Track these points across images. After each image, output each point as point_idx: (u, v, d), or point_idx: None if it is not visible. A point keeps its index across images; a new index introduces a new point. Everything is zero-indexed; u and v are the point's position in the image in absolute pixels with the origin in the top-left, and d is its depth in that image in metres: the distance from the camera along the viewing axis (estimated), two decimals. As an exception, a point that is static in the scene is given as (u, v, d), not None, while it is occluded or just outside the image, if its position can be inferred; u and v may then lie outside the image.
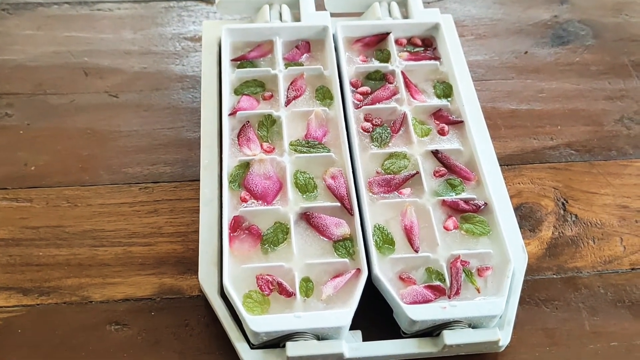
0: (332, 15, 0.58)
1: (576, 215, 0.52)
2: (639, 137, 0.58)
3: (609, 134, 0.58)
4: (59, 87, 0.59)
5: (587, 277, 0.48)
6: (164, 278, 0.47)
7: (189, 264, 0.48)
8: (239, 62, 0.54)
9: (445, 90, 0.53)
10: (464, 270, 0.44)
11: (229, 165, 0.47)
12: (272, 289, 0.42)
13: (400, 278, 0.43)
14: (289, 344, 0.40)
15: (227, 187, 0.46)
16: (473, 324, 0.42)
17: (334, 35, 0.56)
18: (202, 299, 0.46)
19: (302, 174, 0.47)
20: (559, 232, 0.50)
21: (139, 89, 0.59)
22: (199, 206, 0.50)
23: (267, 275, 0.42)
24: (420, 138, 0.50)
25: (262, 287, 0.42)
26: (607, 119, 0.59)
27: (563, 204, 0.52)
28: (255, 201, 0.46)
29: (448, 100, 0.53)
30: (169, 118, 0.57)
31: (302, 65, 0.54)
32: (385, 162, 0.48)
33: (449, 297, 0.42)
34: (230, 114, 0.50)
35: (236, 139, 0.49)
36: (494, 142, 0.53)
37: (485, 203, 0.46)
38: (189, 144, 0.55)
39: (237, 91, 0.52)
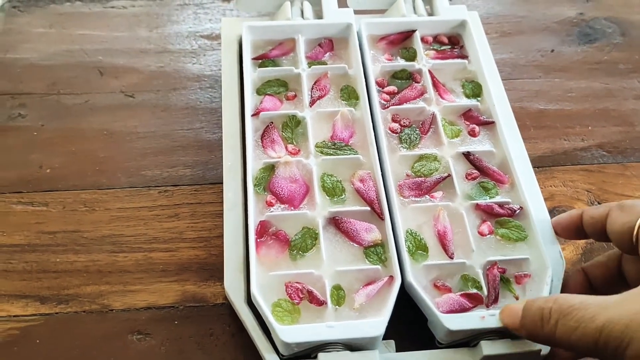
0: (355, 12, 0.56)
1: (611, 219, 0.50)
2: (673, 138, 0.56)
3: (641, 134, 0.56)
4: (73, 86, 0.57)
5: (625, 283, 0.46)
6: (186, 285, 0.45)
7: (213, 270, 0.46)
8: (260, 61, 0.52)
9: (475, 89, 0.52)
10: (501, 278, 0.42)
11: (253, 167, 0.45)
12: (302, 297, 0.40)
13: (435, 286, 0.42)
14: (321, 355, 0.39)
15: (252, 190, 0.44)
16: (512, 334, 0.40)
17: (357, 33, 0.54)
18: (227, 307, 0.44)
19: (329, 176, 0.46)
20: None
21: (155, 88, 0.57)
22: (221, 210, 0.48)
23: (297, 282, 0.41)
24: (450, 139, 0.48)
25: (292, 295, 0.40)
26: (638, 119, 0.57)
27: (597, 207, 0.51)
28: (281, 205, 0.44)
29: (478, 100, 0.51)
30: (187, 119, 0.55)
31: (326, 64, 0.52)
32: (415, 165, 0.47)
33: (487, 306, 0.40)
34: (253, 115, 0.48)
35: (260, 140, 0.47)
36: (524, 143, 0.51)
37: (520, 207, 0.45)
38: (209, 145, 0.53)
39: (260, 91, 0.50)
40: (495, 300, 0.41)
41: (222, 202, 0.48)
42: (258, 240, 0.42)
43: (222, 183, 0.48)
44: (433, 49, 0.54)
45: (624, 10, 0.67)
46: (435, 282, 0.42)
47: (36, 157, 0.52)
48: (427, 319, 0.41)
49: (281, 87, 0.51)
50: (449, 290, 0.41)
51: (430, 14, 0.57)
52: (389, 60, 0.53)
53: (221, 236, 0.47)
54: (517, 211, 0.45)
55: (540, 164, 0.53)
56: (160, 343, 0.42)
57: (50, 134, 0.54)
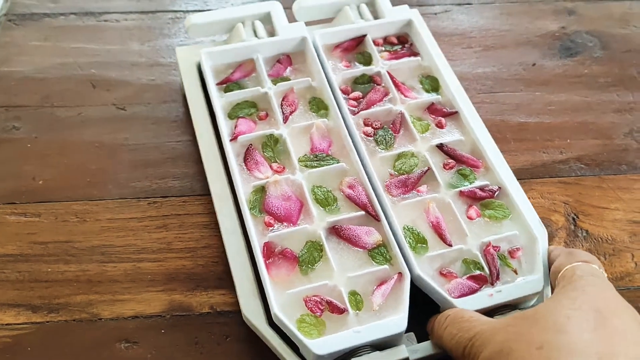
0: (306, 24, 0.57)
1: (587, 231, 0.52)
2: (649, 151, 0.57)
3: (618, 147, 0.58)
4: (67, 99, 0.59)
5: (598, 294, 0.48)
6: (173, 295, 0.47)
7: (199, 280, 0.47)
8: (224, 86, 0.53)
9: (432, 84, 0.54)
10: (497, 256, 0.45)
11: (244, 192, 0.46)
12: (323, 308, 0.42)
13: (441, 274, 0.44)
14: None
15: (249, 215, 0.45)
16: (518, 306, 0.43)
17: (313, 44, 0.55)
18: (212, 316, 0.46)
19: (319, 188, 0.47)
20: (570, 248, 0.50)
21: (146, 101, 0.59)
22: (208, 221, 0.50)
23: (314, 296, 0.42)
24: (421, 134, 0.51)
25: (313, 309, 0.41)
26: (616, 132, 0.59)
27: (574, 219, 0.52)
28: (280, 224, 0.45)
29: (438, 94, 0.54)
30: (177, 131, 0.57)
31: (289, 79, 0.54)
32: (396, 163, 0.49)
33: (492, 284, 0.43)
34: (231, 140, 0.49)
35: (243, 164, 0.48)
36: (504, 155, 0.52)
37: (499, 187, 0.48)
38: (198, 157, 0.54)
39: (232, 115, 0.51)
40: (498, 277, 0.43)
41: (209, 213, 0.50)
42: (266, 262, 0.43)
43: (209, 194, 0.49)
44: (386, 50, 0.56)
45: (605, 24, 0.68)
46: (440, 271, 0.44)
47: (30, 168, 0.53)
48: (440, 306, 0.43)
49: (252, 108, 0.52)
50: (455, 276, 0.44)
51: (376, 17, 0.59)
52: (347, 67, 0.55)
53: (208, 247, 0.49)
54: (497, 192, 0.48)
55: (519, 176, 0.54)
56: (147, 351, 0.44)
57: (43, 146, 0.55)
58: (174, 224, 0.50)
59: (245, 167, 0.48)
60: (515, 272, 0.44)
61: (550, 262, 0.44)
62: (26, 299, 0.46)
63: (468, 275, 0.43)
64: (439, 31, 0.67)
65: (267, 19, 0.57)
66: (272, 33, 0.57)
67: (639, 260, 0.50)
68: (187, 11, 0.67)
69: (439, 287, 0.42)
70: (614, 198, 0.54)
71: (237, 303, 0.46)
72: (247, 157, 0.48)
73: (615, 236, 0.51)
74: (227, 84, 0.53)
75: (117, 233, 0.50)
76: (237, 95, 0.52)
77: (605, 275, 0.40)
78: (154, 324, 0.45)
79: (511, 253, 0.45)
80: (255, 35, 0.56)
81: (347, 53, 0.56)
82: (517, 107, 0.60)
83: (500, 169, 0.49)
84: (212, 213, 0.50)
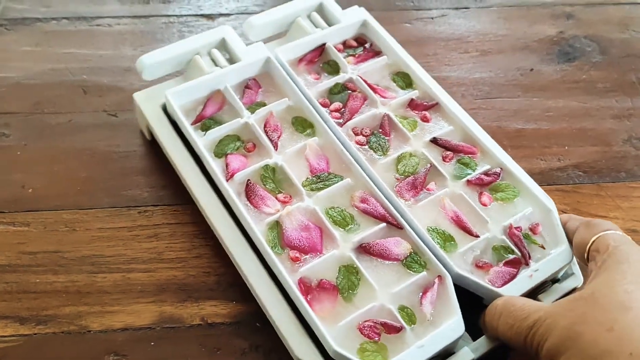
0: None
1: (585, 240, 0.51)
2: (648, 158, 0.57)
3: (617, 154, 0.57)
4: (57, 105, 0.58)
5: (596, 305, 0.47)
6: (164, 306, 0.46)
7: (190, 291, 0.47)
8: (200, 124, 0.50)
9: (405, 79, 0.54)
10: (522, 235, 0.45)
11: (259, 231, 0.44)
12: (379, 331, 0.41)
13: (478, 266, 0.44)
14: None
15: (273, 254, 0.42)
16: (554, 280, 0.45)
17: (277, 62, 0.53)
18: (203, 328, 0.45)
19: (333, 209, 0.46)
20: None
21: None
22: (199, 230, 0.49)
23: (366, 321, 0.41)
24: (412, 132, 0.50)
25: (370, 335, 0.40)
26: (615, 139, 0.58)
27: (571, 227, 0.51)
28: (306, 256, 0.43)
29: (413, 88, 0.53)
30: (169, 138, 0.56)
31: (265, 103, 0.51)
32: (399, 167, 0.48)
33: (527, 264, 0.44)
34: (228, 180, 0.46)
35: (248, 202, 0.46)
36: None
37: (501, 168, 0.48)
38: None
39: (218, 153, 0.48)
40: (530, 257, 0.44)
41: (201, 222, 0.49)
42: (307, 299, 0.41)
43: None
44: (350, 55, 0.56)
45: (604, 29, 0.68)
46: (476, 264, 0.44)
47: (19, 177, 0.53)
48: (483, 298, 0.43)
49: (237, 142, 0.49)
50: (491, 265, 0.44)
51: (328, 22, 0.57)
52: (317, 79, 0.54)
53: (199, 256, 0.49)
54: (500, 173, 0.48)
55: (516, 184, 0.54)
56: (136, 364, 0.43)
57: (33, 154, 0.54)
58: (165, 233, 0.50)
59: (251, 205, 0.45)
60: (543, 247, 0.45)
61: (568, 234, 0.44)
62: (14, 311, 0.45)
63: (504, 262, 0.44)
64: (436, 36, 0.66)
65: (222, 46, 0.54)
66: (231, 59, 0.54)
67: (637, 270, 0.49)
68: (181, 15, 0.67)
69: (481, 280, 0.42)
70: (613, 206, 0.53)
71: (228, 315, 0.46)
72: (249, 194, 0.46)
73: (614, 245, 0.50)
74: (202, 122, 0.50)
75: (107, 243, 0.49)
76: (217, 132, 0.49)
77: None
78: (143, 336, 0.44)
79: (532, 230, 0.46)
80: (216, 64, 0.53)
81: (313, 65, 0.54)
82: (514, 113, 0.59)
83: (495, 150, 0.49)
84: (203, 222, 0.49)
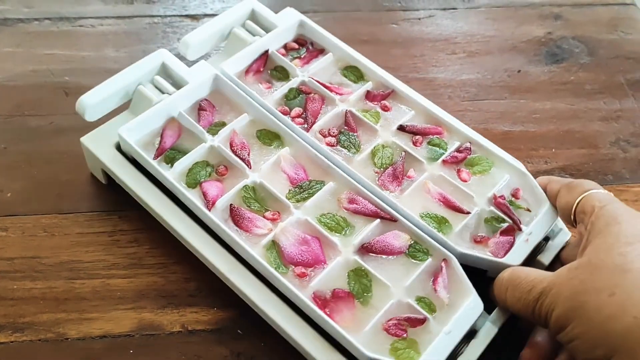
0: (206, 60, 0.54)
1: (571, 244, 0.50)
2: (636, 160, 0.56)
3: (604, 157, 0.56)
4: (39, 108, 0.57)
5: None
6: (143, 313, 0.45)
7: (170, 297, 0.46)
8: (162, 156, 0.47)
9: (356, 73, 0.54)
10: (508, 203, 0.46)
11: (258, 254, 0.42)
12: (405, 327, 0.41)
13: (476, 242, 0.45)
14: (460, 359, 0.41)
15: (278, 275, 0.41)
16: (546, 239, 0.47)
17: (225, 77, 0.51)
18: (183, 336, 0.44)
19: (324, 216, 0.45)
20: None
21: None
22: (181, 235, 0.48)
23: (390, 320, 0.41)
24: (377, 124, 0.51)
25: (397, 333, 0.41)
26: (602, 141, 0.58)
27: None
28: (311, 269, 0.43)
29: (365, 80, 0.53)
30: (151, 141, 0.55)
31: (225, 123, 0.49)
32: (375, 160, 0.49)
33: (519, 229, 0.45)
34: (210, 209, 0.44)
35: (237, 227, 0.44)
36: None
37: (469, 142, 0.50)
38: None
39: (191, 184, 0.46)
40: (520, 221, 0.45)
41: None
42: (326, 312, 0.41)
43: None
44: (295, 58, 0.55)
45: (592, 29, 0.67)
46: (474, 239, 0.45)
47: (-2, 180, 0.52)
48: (488, 271, 0.44)
49: (207, 168, 0.47)
50: (488, 238, 0.45)
51: (265, 29, 0.56)
52: (269, 88, 0.52)
53: (179, 262, 0.48)
54: (470, 147, 0.50)
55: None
56: (115, 373, 0.42)
57: (13, 157, 0.53)
58: (145, 238, 0.49)
59: (241, 230, 0.44)
60: (529, 210, 0.46)
61: (550, 198, 0.45)
62: (-10, 318, 0.44)
63: (499, 232, 0.45)
64: (423, 37, 0.66)
65: (164, 71, 0.52)
66: (176, 83, 0.51)
67: (624, 274, 0.49)
68: (166, 16, 0.66)
69: (484, 255, 0.43)
70: (599, 209, 0.52)
71: (209, 322, 0.45)
72: (236, 219, 0.44)
73: (600, 249, 0.50)
74: (165, 154, 0.47)
75: (86, 248, 0.48)
76: (185, 162, 0.46)
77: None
78: (122, 343, 0.44)
79: (514, 195, 0.47)
80: (162, 91, 0.50)
81: (260, 74, 0.53)
82: (501, 115, 0.59)
83: (459, 127, 0.50)
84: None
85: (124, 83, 0.50)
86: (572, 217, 0.42)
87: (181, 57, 0.54)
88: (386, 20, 0.67)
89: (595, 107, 0.60)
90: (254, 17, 0.57)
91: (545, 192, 0.46)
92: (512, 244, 0.44)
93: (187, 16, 0.66)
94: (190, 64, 0.53)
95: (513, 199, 0.47)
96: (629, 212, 0.39)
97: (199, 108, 0.50)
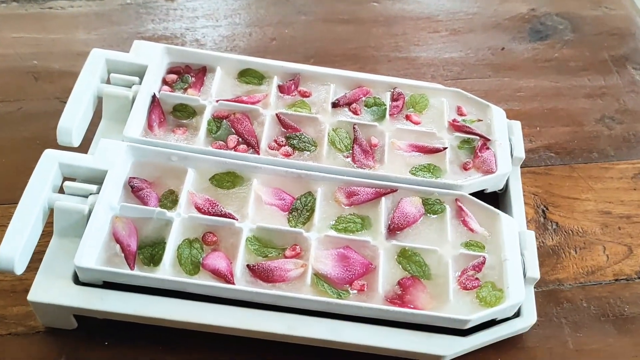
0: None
1: (557, 223, 0.49)
2: (621, 138, 0.55)
3: (589, 134, 0.55)
4: (6, 93, 0.55)
5: (569, 290, 0.46)
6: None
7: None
8: (139, 261, 0.41)
9: (253, 74, 0.51)
10: (463, 121, 0.50)
11: (308, 293, 0.40)
12: (474, 275, 0.42)
13: (466, 169, 0.47)
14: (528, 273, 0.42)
15: (345, 302, 0.40)
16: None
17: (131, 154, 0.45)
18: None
19: (337, 223, 0.44)
20: (539, 242, 0.48)
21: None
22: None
23: (460, 277, 0.42)
24: (310, 113, 0.49)
25: (474, 285, 0.42)
26: (587, 118, 0.57)
27: (543, 211, 0.50)
28: (367, 275, 0.42)
29: (269, 77, 0.51)
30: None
31: (174, 191, 0.44)
32: (337, 146, 0.47)
33: (488, 139, 0.48)
34: (234, 282, 0.40)
35: (269, 283, 0.41)
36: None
37: (395, 87, 0.51)
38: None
39: (190, 270, 0.41)
40: (482, 134, 0.49)
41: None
42: (409, 306, 0.41)
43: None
44: (185, 89, 0.50)
45: (576, 5, 0.66)
46: (464, 167, 0.47)
47: (-36, 169, 0.50)
48: (487, 188, 0.48)
49: (195, 245, 0.42)
50: (472, 161, 0.47)
51: (132, 73, 0.49)
52: (185, 132, 0.47)
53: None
54: (400, 91, 0.51)
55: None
56: (90, 365, 0.41)
57: (-21, 145, 0.51)
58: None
59: (276, 283, 0.41)
60: (480, 120, 0.50)
61: None
62: (-42, 312, 0.43)
63: (476, 150, 0.47)
64: (405, 15, 0.64)
65: (70, 171, 0.44)
66: (89, 178, 0.44)
67: (610, 252, 0.48)
68: (139, -3, 0.63)
69: (482, 176, 0.46)
70: (585, 188, 0.52)
71: None
72: (263, 276, 0.41)
73: (587, 228, 0.49)
74: (139, 258, 0.41)
75: (58, 237, 0.46)
76: (169, 254, 0.41)
77: None
78: (95, 336, 0.42)
79: (461, 114, 0.50)
80: (85, 195, 0.43)
81: (165, 123, 0.48)
82: (485, 94, 0.58)
83: (376, 78, 0.52)
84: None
85: (40, 205, 0.42)
86: None
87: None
88: (367, -1, 0.65)
89: (579, 84, 0.59)
90: (113, 67, 0.49)
91: None
92: (494, 155, 0.47)
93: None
94: (77, 150, 0.45)
95: (462, 117, 0.49)
96: None
97: (134, 190, 0.44)
